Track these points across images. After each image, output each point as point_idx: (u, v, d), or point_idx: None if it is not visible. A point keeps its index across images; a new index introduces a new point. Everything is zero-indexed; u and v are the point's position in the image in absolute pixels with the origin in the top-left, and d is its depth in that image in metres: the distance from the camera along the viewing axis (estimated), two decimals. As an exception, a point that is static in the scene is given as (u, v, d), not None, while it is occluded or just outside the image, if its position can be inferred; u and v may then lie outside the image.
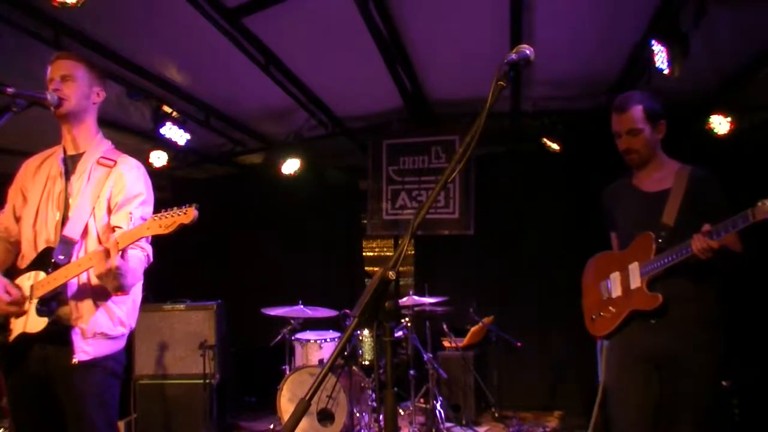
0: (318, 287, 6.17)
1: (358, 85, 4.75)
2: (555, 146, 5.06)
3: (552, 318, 5.49)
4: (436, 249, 6.14)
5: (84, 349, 2.04)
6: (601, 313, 2.50)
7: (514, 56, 1.62)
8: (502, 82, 1.59)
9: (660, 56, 3.41)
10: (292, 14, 3.48)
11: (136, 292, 2.25)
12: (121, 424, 4.49)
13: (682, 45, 3.33)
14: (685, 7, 3.25)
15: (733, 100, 4.57)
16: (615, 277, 2.48)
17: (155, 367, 4.67)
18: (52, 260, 2.04)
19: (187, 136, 4.94)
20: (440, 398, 4.71)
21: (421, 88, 4.83)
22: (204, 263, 6.57)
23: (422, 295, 4.80)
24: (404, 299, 4.67)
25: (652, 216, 2.36)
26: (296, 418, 1.28)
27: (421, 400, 4.80)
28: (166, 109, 4.73)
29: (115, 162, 2.23)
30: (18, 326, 2.04)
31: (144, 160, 5.09)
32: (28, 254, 2.14)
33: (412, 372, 4.48)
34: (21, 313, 2.03)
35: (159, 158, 5.26)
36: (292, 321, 4.78)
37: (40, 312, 2.01)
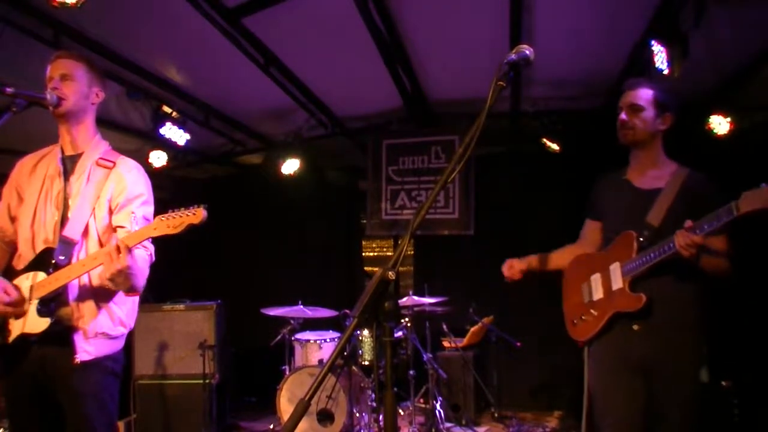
0: (318, 287, 6.17)
1: (357, 85, 4.75)
2: (555, 146, 5.06)
3: (552, 318, 5.47)
4: (435, 249, 6.14)
5: (86, 349, 2.04)
6: (583, 317, 2.40)
7: (513, 56, 1.62)
8: (501, 82, 1.59)
9: (660, 56, 3.41)
10: (292, 14, 3.48)
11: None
12: (120, 424, 4.49)
13: (682, 45, 3.33)
14: (685, 7, 3.25)
15: (733, 100, 4.57)
16: (596, 278, 2.38)
17: (155, 367, 4.67)
18: (53, 261, 2.04)
19: (187, 136, 4.93)
20: (440, 398, 4.71)
21: (420, 88, 4.83)
22: (204, 263, 6.57)
23: (422, 295, 4.80)
24: (404, 299, 4.67)
25: (637, 214, 2.28)
26: (296, 419, 1.28)
27: (421, 400, 4.81)
28: (166, 109, 4.73)
29: (114, 163, 2.23)
30: (17, 327, 2.03)
31: (144, 160, 5.10)
32: (25, 254, 2.13)
33: (411, 372, 4.48)
34: (19, 315, 2.02)
35: (159, 158, 5.25)
36: (292, 321, 4.78)
37: (41, 312, 2.00)
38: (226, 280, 6.29)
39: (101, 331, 2.08)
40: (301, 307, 4.73)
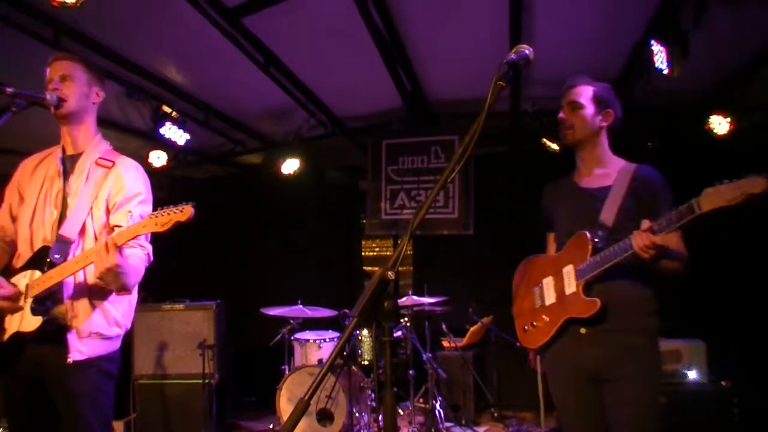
0: (317, 287, 6.16)
1: (357, 84, 4.75)
2: (555, 146, 5.06)
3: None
4: (435, 249, 6.14)
5: (79, 349, 2.04)
6: (534, 323, 2.29)
7: (513, 56, 1.62)
8: (501, 82, 1.59)
9: (660, 56, 3.41)
10: (292, 14, 3.48)
11: (133, 292, 2.24)
12: (120, 424, 4.49)
13: (682, 45, 3.33)
14: (685, 7, 3.25)
15: (733, 100, 4.57)
16: (548, 282, 2.27)
17: (155, 366, 4.67)
18: (48, 259, 2.04)
19: (187, 136, 4.94)
20: (439, 398, 4.71)
21: (420, 87, 4.83)
22: (203, 263, 6.57)
23: (421, 295, 4.80)
24: (403, 299, 4.67)
25: (589, 214, 2.18)
26: (295, 418, 1.28)
27: (421, 400, 4.80)
28: (166, 109, 4.73)
29: (114, 163, 2.23)
30: (12, 325, 2.04)
31: (144, 160, 5.10)
32: (24, 253, 2.14)
33: (411, 372, 4.48)
34: (15, 310, 2.03)
35: (159, 158, 5.26)
36: (292, 321, 4.78)
37: (34, 311, 2.01)
38: (226, 279, 6.29)
39: (95, 331, 2.07)
40: (301, 306, 4.73)
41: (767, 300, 4.84)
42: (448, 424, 4.71)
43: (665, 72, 3.44)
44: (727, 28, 3.55)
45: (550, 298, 2.25)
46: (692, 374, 4.07)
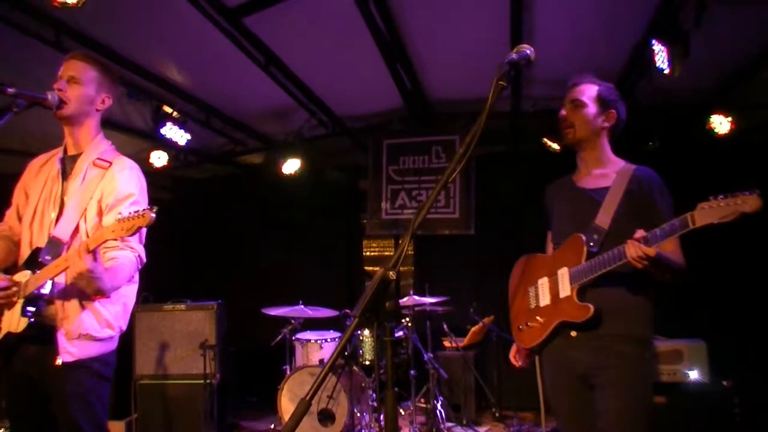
0: (318, 287, 6.16)
1: (358, 84, 4.75)
2: (555, 146, 5.06)
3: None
4: (436, 249, 6.14)
5: (68, 350, 2.02)
6: (529, 323, 2.27)
7: (514, 56, 1.62)
8: (502, 82, 1.59)
9: (660, 56, 3.41)
10: (293, 14, 3.48)
11: (128, 294, 2.22)
12: (121, 424, 4.50)
13: (683, 45, 3.33)
14: (686, 6, 3.25)
15: (734, 100, 4.57)
16: (543, 283, 2.25)
17: (156, 367, 4.67)
18: (39, 260, 2.04)
19: (188, 136, 4.94)
20: (441, 398, 4.71)
21: (421, 87, 4.83)
22: (204, 263, 6.58)
23: (422, 294, 4.79)
24: (404, 299, 4.67)
25: (584, 216, 2.16)
26: (297, 418, 1.28)
27: (422, 400, 4.80)
28: (167, 109, 4.73)
29: (110, 163, 2.21)
30: (5, 325, 2.04)
31: (144, 160, 5.10)
32: (24, 253, 2.15)
33: (412, 372, 4.48)
34: (10, 304, 2.03)
35: (159, 158, 5.26)
36: (293, 321, 4.79)
37: (24, 312, 2.00)
38: (227, 279, 6.30)
39: (85, 333, 2.05)
40: (302, 306, 4.73)
41: (767, 300, 4.84)
42: (449, 424, 4.71)
43: (666, 71, 3.43)
44: (728, 28, 3.55)
45: (544, 299, 2.23)
46: (693, 374, 4.07)
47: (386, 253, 7.17)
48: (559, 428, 2.28)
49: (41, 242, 2.10)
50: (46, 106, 2.10)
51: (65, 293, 2.05)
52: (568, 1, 3.54)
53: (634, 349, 2.05)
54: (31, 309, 2.01)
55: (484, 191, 5.64)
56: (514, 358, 2.46)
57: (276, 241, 6.65)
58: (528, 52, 1.62)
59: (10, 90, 1.98)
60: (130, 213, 1.90)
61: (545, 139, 5.08)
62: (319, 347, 4.62)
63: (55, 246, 2.06)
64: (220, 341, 4.70)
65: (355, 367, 4.45)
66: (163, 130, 4.71)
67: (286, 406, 4.35)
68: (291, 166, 5.64)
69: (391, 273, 1.36)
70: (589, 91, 2.25)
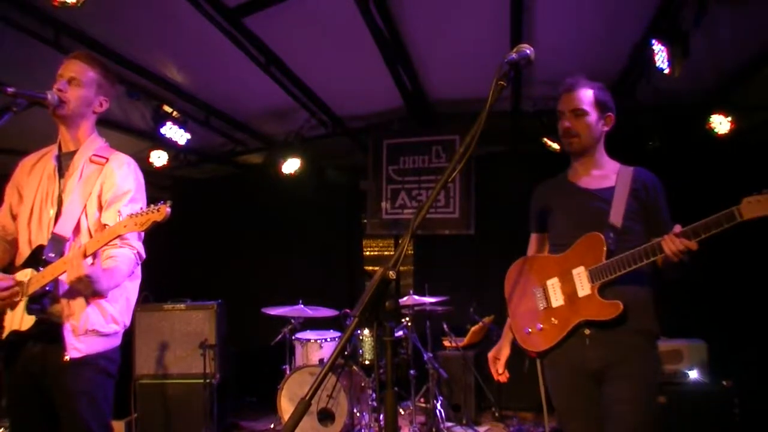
0: (318, 287, 6.17)
1: (358, 84, 4.75)
2: (555, 146, 5.06)
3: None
4: (436, 249, 6.14)
5: (76, 346, 2.03)
6: (540, 326, 2.23)
7: (514, 56, 1.62)
8: (502, 82, 1.59)
9: (660, 56, 3.41)
10: (293, 14, 3.48)
11: (131, 289, 2.23)
12: (121, 424, 4.49)
13: (683, 45, 3.33)
14: (686, 6, 3.25)
15: (734, 100, 4.57)
16: (554, 283, 2.21)
17: (155, 366, 4.67)
18: (43, 257, 2.05)
19: (188, 135, 4.93)
20: (440, 398, 4.71)
21: (421, 87, 4.83)
22: (204, 263, 6.58)
23: (422, 294, 4.80)
24: (404, 299, 4.67)
25: (595, 215, 2.16)
26: (297, 418, 1.28)
27: (422, 400, 4.80)
28: (167, 108, 4.73)
29: (107, 159, 2.22)
30: (10, 324, 2.05)
31: (144, 159, 5.10)
32: (23, 252, 2.15)
33: (412, 371, 4.48)
34: (13, 304, 2.03)
35: (159, 158, 5.26)
36: (293, 320, 4.79)
37: (29, 310, 2.01)
38: (227, 279, 6.30)
39: (92, 328, 2.07)
40: (302, 306, 4.74)
41: (767, 300, 4.84)
42: (449, 424, 4.71)
43: (666, 71, 3.43)
44: (728, 28, 3.55)
45: (557, 300, 2.19)
46: (693, 374, 4.07)
47: (386, 253, 7.17)
48: (562, 428, 2.27)
49: (41, 240, 2.10)
50: (46, 106, 2.11)
51: (70, 290, 2.06)
52: (567, 1, 3.54)
53: (644, 342, 2.10)
54: (37, 306, 2.02)
55: (484, 191, 5.64)
56: (495, 370, 2.49)
57: (276, 241, 6.65)
58: (528, 51, 1.62)
59: (10, 89, 1.99)
60: (142, 208, 1.91)
61: (545, 139, 5.08)
62: (318, 347, 4.62)
63: (58, 243, 2.07)
64: (219, 341, 4.70)
65: (354, 367, 4.46)
66: (163, 130, 4.71)
67: (286, 405, 4.35)
68: (291, 166, 5.64)
69: (391, 273, 1.37)
70: (586, 97, 2.24)
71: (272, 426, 4.88)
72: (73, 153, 2.23)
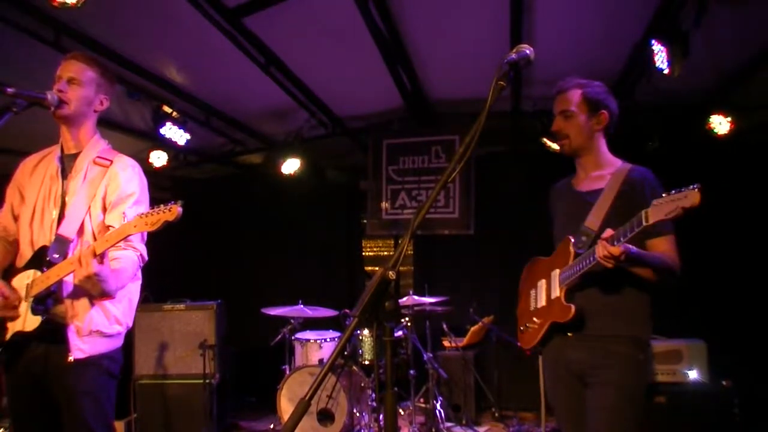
0: (318, 287, 6.17)
1: (358, 84, 4.75)
2: (555, 146, 5.06)
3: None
4: (436, 249, 6.14)
5: (80, 347, 2.04)
6: (528, 324, 2.34)
7: (514, 56, 1.62)
8: (502, 82, 1.59)
9: (660, 56, 3.41)
10: (293, 14, 3.48)
11: (133, 290, 2.24)
12: (121, 424, 4.50)
13: (682, 45, 3.33)
14: (686, 6, 3.25)
15: (733, 100, 4.57)
16: (541, 285, 2.31)
17: (155, 366, 4.68)
18: (47, 258, 2.05)
19: (187, 136, 4.93)
20: (440, 398, 4.71)
21: (421, 87, 4.83)
22: (204, 263, 6.58)
23: (422, 294, 4.80)
24: (404, 299, 4.67)
25: (576, 219, 2.20)
26: (296, 418, 1.28)
27: (421, 400, 4.81)
28: (166, 109, 4.73)
29: (111, 161, 2.23)
30: (14, 325, 2.05)
31: (144, 160, 5.10)
32: (25, 253, 2.15)
33: (412, 372, 4.49)
34: (14, 316, 2.04)
35: (159, 158, 5.26)
36: (292, 321, 4.79)
37: (34, 310, 2.01)
38: (227, 279, 6.30)
39: (96, 329, 2.07)
40: (302, 306, 4.74)
41: (767, 300, 4.84)
42: (448, 424, 4.72)
43: (666, 71, 3.43)
44: (727, 28, 3.55)
45: (541, 300, 2.30)
46: (693, 374, 4.07)
47: (386, 253, 7.17)
48: (559, 427, 2.31)
49: (43, 241, 2.11)
50: (46, 106, 2.11)
51: (74, 291, 2.06)
52: (567, 1, 3.54)
53: (628, 349, 2.07)
54: (41, 307, 2.02)
55: (483, 191, 5.64)
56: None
57: (276, 241, 6.65)
58: (527, 52, 1.62)
59: (10, 90, 1.99)
60: (153, 207, 1.91)
61: (545, 139, 5.08)
62: (318, 347, 4.62)
63: (62, 244, 2.07)
64: (219, 341, 4.70)
65: (354, 367, 4.46)
66: (162, 130, 4.71)
67: (286, 405, 4.35)
68: (291, 166, 5.63)
69: (391, 273, 1.37)
70: (574, 98, 2.25)
71: (272, 426, 4.88)
72: (77, 154, 2.23)
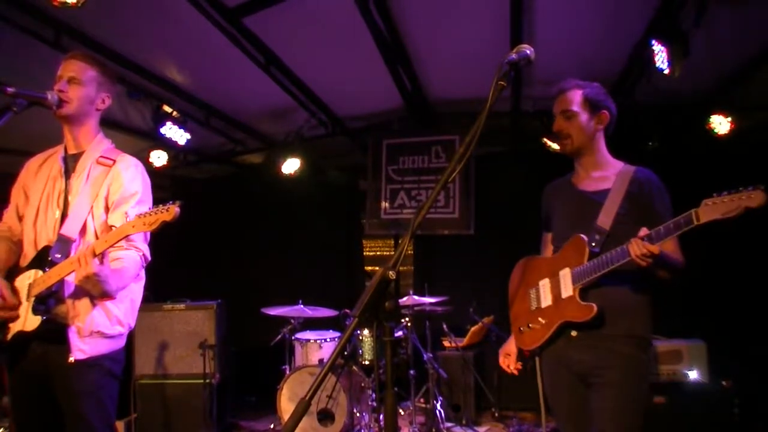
0: (318, 287, 6.17)
1: (358, 84, 4.75)
2: (555, 146, 5.06)
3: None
4: (436, 248, 6.14)
5: (80, 348, 2.04)
6: (530, 325, 2.28)
7: (514, 56, 1.62)
8: (502, 82, 1.59)
9: (660, 56, 3.41)
10: (293, 14, 3.48)
11: (135, 291, 2.24)
12: (121, 424, 4.49)
13: (682, 45, 3.33)
14: (685, 6, 3.25)
15: (733, 100, 4.57)
16: (545, 284, 2.27)
17: (155, 366, 4.67)
18: (49, 258, 2.05)
19: (188, 135, 4.93)
20: (440, 398, 4.71)
21: (421, 87, 4.83)
22: (204, 263, 6.57)
23: (422, 294, 4.79)
24: (404, 299, 4.67)
25: (587, 218, 2.18)
26: (296, 418, 1.28)
27: (421, 400, 4.80)
28: (166, 108, 4.73)
29: (114, 161, 2.23)
30: (15, 324, 2.05)
31: (144, 159, 5.10)
32: (29, 253, 2.15)
33: (412, 372, 4.48)
34: (14, 318, 2.04)
35: (159, 158, 5.26)
36: (292, 321, 4.79)
37: (35, 310, 2.01)
38: (227, 279, 6.29)
39: (97, 330, 2.07)
40: (302, 306, 4.74)
41: (767, 300, 4.84)
42: (448, 424, 4.71)
43: (666, 72, 3.43)
44: (728, 28, 3.55)
45: (546, 300, 2.24)
46: (693, 374, 4.07)
47: (386, 253, 7.17)
48: (558, 428, 2.29)
49: (47, 241, 2.11)
50: (46, 106, 2.11)
51: (76, 291, 2.06)
52: (567, 1, 3.54)
53: (633, 349, 2.07)
54: (42, 307, 2.02)
55: (483, 191, 5.64)
56: (507, 365, 2.46)
57: (275, 241, 6.65)
58: (528, 52, 1.62)
59: (10, 89, 1.99)
60: (150, 208, 1.92)
61: (545, 139, 5.08)
62: (318, 347, 4.62)
63: (65, 244, 2.07)
64: (219, 341, 4.70)
65: (354, 367, 4.45)
66: (162, 130, 4.71)
67: (286, 405, 4.35)
68: (291, 166, 5.63)
69: (391, 273, 1.37)
70: (575, 98, 2.26)
71: (272, 426, 4.88)
72: (80, 154, 2.23)
